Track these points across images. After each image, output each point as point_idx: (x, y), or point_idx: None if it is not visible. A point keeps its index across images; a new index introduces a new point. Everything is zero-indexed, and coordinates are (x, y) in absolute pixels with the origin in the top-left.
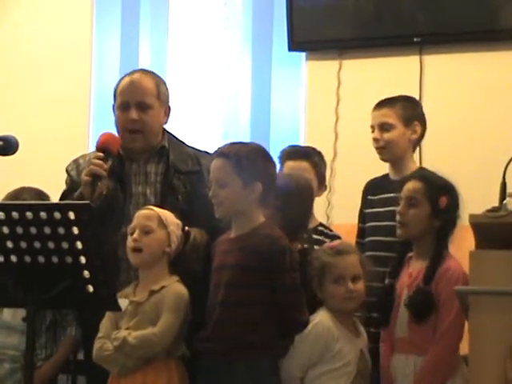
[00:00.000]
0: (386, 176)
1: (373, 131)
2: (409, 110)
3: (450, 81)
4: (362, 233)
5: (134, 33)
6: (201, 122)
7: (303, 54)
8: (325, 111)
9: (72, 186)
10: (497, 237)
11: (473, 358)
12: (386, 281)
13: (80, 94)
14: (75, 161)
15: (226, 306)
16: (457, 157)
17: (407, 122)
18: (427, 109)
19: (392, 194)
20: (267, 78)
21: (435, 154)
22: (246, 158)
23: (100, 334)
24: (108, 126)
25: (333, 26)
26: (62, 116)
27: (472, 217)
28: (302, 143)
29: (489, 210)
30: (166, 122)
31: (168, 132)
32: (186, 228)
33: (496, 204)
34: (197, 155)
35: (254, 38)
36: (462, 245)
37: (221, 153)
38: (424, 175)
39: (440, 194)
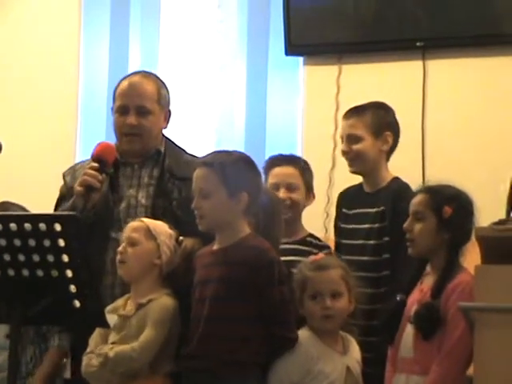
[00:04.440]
0: (360, 187)
1: (342, 142)
2: (379, 119)
3: (455, 87)
4: (339, 248)
5: (124, 35)
6: (193, 129)
7: (301, 59)
8: (323, 118)
9: (66, 191)
10: (504, 251)
11: (478, 378)
12: (398, 297)
13: (68, 96)
14: (72, 166)
15: (211, 320)
16: (461, 165)
17: (377, 132)
18: (430, 115)
19: (367, 210)
20: (263, 83)
21: (439, 162)
22: (232, 167)
23: (88, 349)
24: (97, 129)
25: (332, 29)
26: (48, 119)
27: (478, 230)
28: (299, 152)
29: (495, 223)
30: (165, 127)
31: (167, 138)
32: (180, 238)
33: (503, 216)
34: (196, 162)
35: (249, 41)
36: (469, 259)
37: (204, 162)
38: (429, 187)
39: (444, 203)
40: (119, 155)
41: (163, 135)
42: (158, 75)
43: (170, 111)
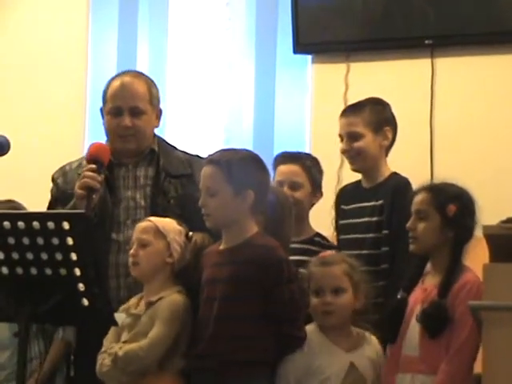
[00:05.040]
0: (358, 183)
1: (341, 140)
2: (377, 115)
3: (463, 85)
4: (339, 244)
5: (132, 33)
6: (202, 127)
7: (309, 57)
8: (331, 117)
9: (58, 194)
10: None
11: (486, 377)
12: (399, 295)
13: (75, 96)
14: (62, 168)
15: (222, 320)
16: (470, 164)
17: (377, 128)
18: (439, 113)
19: (365, 204)
20: (271, 81)
21: (447, 161)
22: (238, 165)
23: (103, 349)
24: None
25: (340, 27)
26: (56, 118)
27: (486, 228)
28: (307, 150)
29: (503, 221)
30: (157, 126)
31: (158, 136)
32: (190, 233)
33: (511, 214)
34: (188, 159)
35: (257, 39)
36: (475, 257)
37: (211, 160)
38: (431, 185)
39: (448, 202)
40: (112, 156)
41: (155, 134)
42: (147, 74)
43: (161, 110)
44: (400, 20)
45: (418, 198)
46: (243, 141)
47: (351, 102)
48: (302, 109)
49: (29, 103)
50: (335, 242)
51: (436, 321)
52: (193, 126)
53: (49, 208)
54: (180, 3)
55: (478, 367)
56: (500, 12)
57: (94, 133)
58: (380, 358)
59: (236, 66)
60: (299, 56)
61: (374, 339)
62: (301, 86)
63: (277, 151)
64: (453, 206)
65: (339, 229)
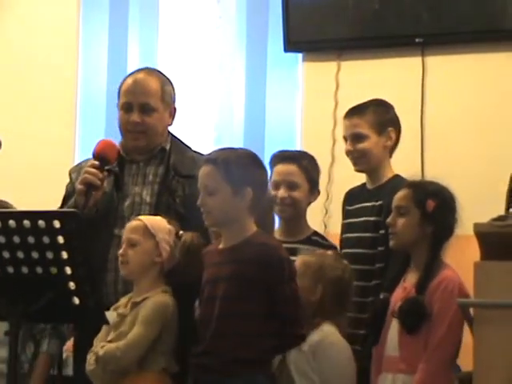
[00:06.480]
0: (364, 185)
1: (346, 142)
2: (381, 116)
3: (454, 83)
4: (341, 242)
5: (123, 32)
6: (193, 126)
7: (300, 55)
8: (322, 115)
9: (72, 189)
10: (503, 247)
11: (477, 375)
12: (381, 295)
13: (66, 96)
14: (78, 164)
15: (224, 318)
16: (460, 162)
17: (380, 129)
18: (429, 112)
19: (366, 204)
20: (262, 79)
21: (438, 159)
22: (236, 163)
23: (92, 348)
24: (95, 127)
25: (331, 25)
26: (47, 119)
27: (477, 226)
28: (297, 148)
29: (494, 219)
30: (170, 124)
31: (173, 135)
32: (180, 232)
33: (502, 212)
34: (200, 159)
35: (248, 37)
36: (466, 255)
37: (209, 159)
38: (412, 182)
39: (427, 197)
40: (124, 152)
41: (169, 132)
42: (164, 72)
43: (175, 108)
44: (391, 18)
45: (398, 195)
46: (234, 139)
47: (342, 100)
48: (292, 107)
49: (19, 103)
50: (335, 244)
51: (413, 316)
52: (183, 124)
53: (62, 202)
54: (171, 1)
55: (469, 365)
56: (491, 10)
57: (84, 133)
58: (321, 352)
59: (227, 65)
60: (290, 54)
61: (323, 334)
62: (291, 84)
63: (268, 149)
64: (432, 201)
65: (342, 228)
